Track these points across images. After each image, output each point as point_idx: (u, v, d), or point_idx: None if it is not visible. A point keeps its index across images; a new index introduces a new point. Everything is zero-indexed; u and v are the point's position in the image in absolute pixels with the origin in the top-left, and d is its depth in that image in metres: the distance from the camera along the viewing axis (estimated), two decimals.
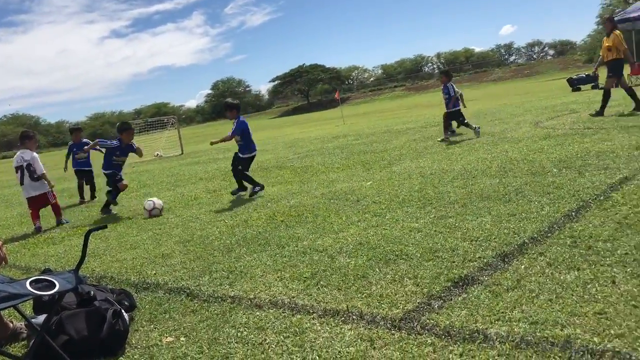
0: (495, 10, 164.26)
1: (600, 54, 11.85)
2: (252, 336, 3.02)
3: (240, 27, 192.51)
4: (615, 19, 25.61)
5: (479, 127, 11.14)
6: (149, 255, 5.18)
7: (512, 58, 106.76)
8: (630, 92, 11.42)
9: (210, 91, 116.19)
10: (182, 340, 3.11)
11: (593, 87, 24.66)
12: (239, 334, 3.07)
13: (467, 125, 11.17)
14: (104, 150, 8.52)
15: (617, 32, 11.41)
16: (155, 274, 4.53)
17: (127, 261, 5.08)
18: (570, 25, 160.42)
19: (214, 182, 10.27)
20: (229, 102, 8.09)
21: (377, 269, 3.78)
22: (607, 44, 11.44)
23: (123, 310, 3.29)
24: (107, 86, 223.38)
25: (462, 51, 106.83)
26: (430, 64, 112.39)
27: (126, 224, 7.13)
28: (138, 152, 8.37)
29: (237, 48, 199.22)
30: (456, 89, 11.45)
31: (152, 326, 3.39)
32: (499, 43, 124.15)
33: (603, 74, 28.51)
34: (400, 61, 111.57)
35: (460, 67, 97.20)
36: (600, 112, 11.32)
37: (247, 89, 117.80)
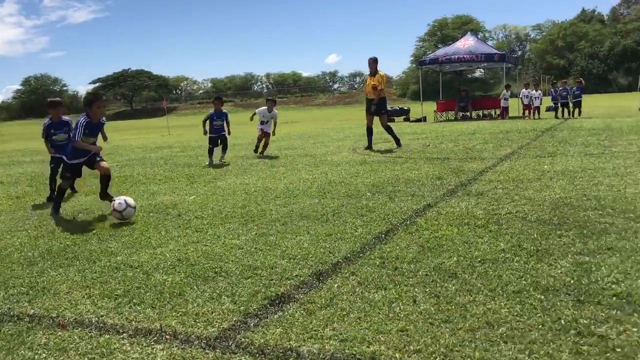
0: (322, 38, 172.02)
1: (366, 91, 12.69)
2: (51, 358, 2.76)
3: (61, 22, 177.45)
4: (427, 59, 28.43)
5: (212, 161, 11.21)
6: None
7: (336, 85, 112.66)
8: (390, 131, 12.59)
9: (20, 87, 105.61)
10: None
11: (405, 120, 27.00)
12: (36, 357, 2.79)
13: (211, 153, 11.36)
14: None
15: (382, 72, 12.47)
16: None
17: None
18: (388, 61, 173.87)
19: (18, 188, 9.31)
20: (56, 100, 7.91)
21: (195, 287, 3.69)
22: (373, 83, 12.31)
23: None
24: None
25: (291, 74, 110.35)
26: (259, 84, 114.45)
27: None
28: (102, 134, 6.85)
29: (56, 44, 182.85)
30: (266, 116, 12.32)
31: None
32: (325, 70, 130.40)
33: (414, 107, 31.16)
34: (231, 77, 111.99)
35: (288, 89, 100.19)
36: (367, 145, 12.41)
37: (64, 88, 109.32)
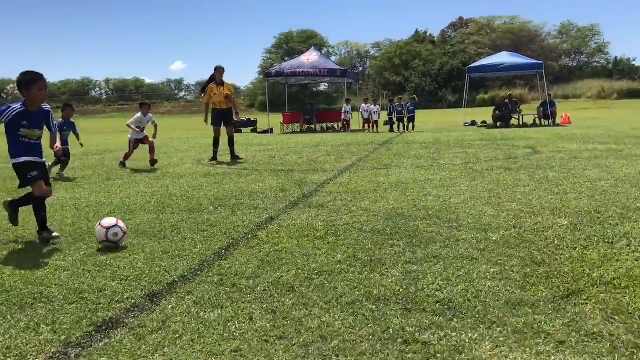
0: (167, 44, 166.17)
1: (213, 102, 12.18)
2: None
3: None
4: (273, 72, 28.79)
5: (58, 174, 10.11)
6: None
7: (182, 94, 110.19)
8: (232, 143, 12.43)
9: None
10: None
11: (252, 131, 27.10)
12: None
13: (55, 165, 10.29)
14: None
15: (228, 82, 12.48)
16: None
17: None
18: (236, 72, 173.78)
19: None
20: None
21: (8, 316, 3.31)
22: (226, 92, 12.15)
23: None
24: None
25: (133, 80, 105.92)
26: (98, 89, 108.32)
27: None
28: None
29: None
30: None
31: None
32: (170, 78, 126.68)
33: (261, 118, 31.35)
34: (65, 81, 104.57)
35: (129, 96, 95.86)
36: (213, 157, 12.31)
37: None
